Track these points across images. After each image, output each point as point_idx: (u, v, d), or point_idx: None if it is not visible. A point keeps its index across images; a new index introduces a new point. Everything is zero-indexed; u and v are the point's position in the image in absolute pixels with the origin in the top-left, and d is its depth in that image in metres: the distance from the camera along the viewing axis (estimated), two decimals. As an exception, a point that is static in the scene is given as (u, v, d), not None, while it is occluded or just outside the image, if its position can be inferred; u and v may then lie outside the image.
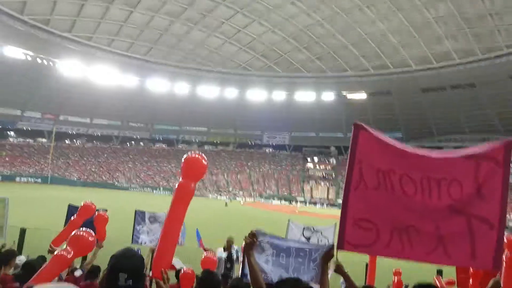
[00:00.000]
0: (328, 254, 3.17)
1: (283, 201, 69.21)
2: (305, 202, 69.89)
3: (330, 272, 4.58)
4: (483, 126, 64.01)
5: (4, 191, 39.45)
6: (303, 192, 75.14)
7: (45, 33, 55.63)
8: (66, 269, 3.11)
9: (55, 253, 2.98)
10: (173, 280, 4.55)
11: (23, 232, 8.89)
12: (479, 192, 2.85)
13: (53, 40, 57.16)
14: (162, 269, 2.64)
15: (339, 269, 3.29)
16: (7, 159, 68.43)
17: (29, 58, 59.63)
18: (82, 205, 5.12)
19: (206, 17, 57.12)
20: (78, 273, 5.30)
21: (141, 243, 8.48)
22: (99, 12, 54.54)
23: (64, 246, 3.10)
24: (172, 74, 70.98)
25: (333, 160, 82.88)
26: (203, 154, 3.09)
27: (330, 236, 7.60)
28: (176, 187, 2.85)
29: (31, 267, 4.21)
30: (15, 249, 7.25)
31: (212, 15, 56.25)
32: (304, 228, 6.90)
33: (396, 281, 6.90)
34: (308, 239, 6.84)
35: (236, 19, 57.23)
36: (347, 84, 69.09)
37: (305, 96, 75.02)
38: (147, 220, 8.76)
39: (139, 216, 8.78)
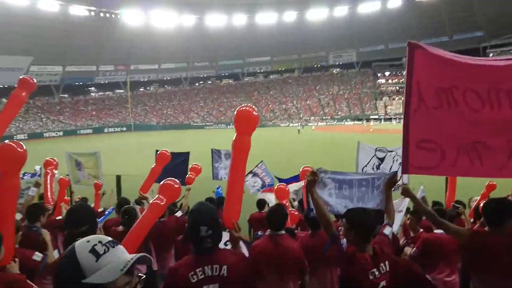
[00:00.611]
0: (391, 180, 3.14)
1: (356, 121, 67.85)
2: (379, 119, 67.79)
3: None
4: None
5: (96, 143, 43.62)
6: (377, 110, 72.62)
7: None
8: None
9: (151, 201, 3.35)
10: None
11: (118, 179, 9.85)
12: None
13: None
14: (233, 220, 2.85)
15: (406, 193, 3.29)
16: (94, 113, 74.52)
17: (92, 14, 61.82)
18: (158, 153, 5.57)
19: None
20: (179, 213, 5.96)
21: (221, 178, 9.10)
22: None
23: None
24: (227, 7, 69.42)
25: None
26: (252, 106, 3.07)
27: None
28: (233, 142, 2.94)
29: (128, 213, 4.81)
30: (116, 196, 8.18)
31: None
32: (376, 149, 6.69)
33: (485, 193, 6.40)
34: (381, 160, 6.68)
35: None
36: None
37: (369, 7, 69.49)
38: (223, 157, 9.27)
39: (216, 154, 9.32)
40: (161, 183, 3.45)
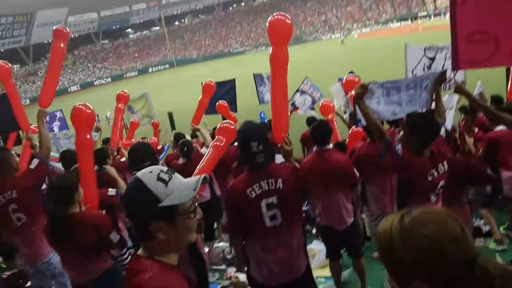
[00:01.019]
0: (440, 78, 2.97)
1: (402, 22, 63.07)
2: (428, 16, 62.39)
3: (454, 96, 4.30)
4: None
5: (143, 84, 44.74)
6: (425, 5, 66.57)
7: None
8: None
9: (211, 144, 3.55)
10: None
11: (170, 116, 10.21)
12: None
13: None
14: (283, 134, 2.82)
15: (459, 89, 3.12)
16: (136, 55, 75.51)
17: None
18: (203, 85, 5.66)
19: None
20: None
21: (267, 102, 9.07)
22: None
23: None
24: None
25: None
26: (285, 14, 2.86)
27: None
28: (270, 56, 2.82)
29: (186, 145, 5.10)
30: (170, 132, 8.52)
31: None
32: (425, 49, 6.24)
33: None
34: (432, 59, 6.25)
35: None
36: None
37: None
38: (265, 80, 9.18)
39: (258, 79, 9.24)
40: (218, 126, 3.62)
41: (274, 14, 2.81)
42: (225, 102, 7.03)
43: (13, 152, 3.81)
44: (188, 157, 5.16)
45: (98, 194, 3.45)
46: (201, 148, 5.52)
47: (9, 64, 4.32)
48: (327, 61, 30.43)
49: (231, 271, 4.78)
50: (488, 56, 2.62)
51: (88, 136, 3.32)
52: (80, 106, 3.29)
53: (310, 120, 7.51)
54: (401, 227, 1.03)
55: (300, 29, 73.09)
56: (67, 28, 4.16)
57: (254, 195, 2.50)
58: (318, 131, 3.67)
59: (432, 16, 61.08)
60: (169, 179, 1.32)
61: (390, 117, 2.93)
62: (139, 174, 1.34)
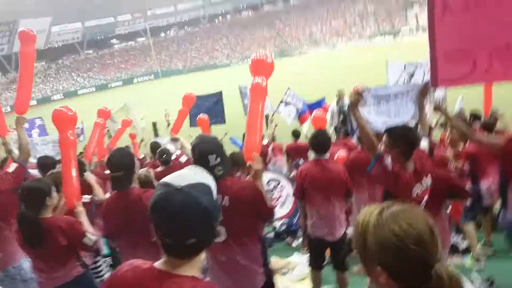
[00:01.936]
0: (424, 89, 3.01)
1: (386, 36, 64.48)
2: (411, 30, 63.90)
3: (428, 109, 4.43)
4: None
5: (128, 94, 44.39)
6: (407, 21, 68.22)
7: None
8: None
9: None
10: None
11: (154, 125, 10.16)
12: None
13: None
14: (254, 152, 2.74)
15: (437, 108, 3.24)
16: (121, 65, 74.98)
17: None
18: (183, 96, 5.72)
19: None
20: (183, 158, 5.99)
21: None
22: None
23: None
24: None
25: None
26: (268, 54, 3.05)
27: None
28: (249, 87, 2.97)
29: (165, 152, 5.11)
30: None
31: None
32: (405, 65, 6.45)
33: None
34: (412, 74, 6.44)
35: None
36: None
37: None
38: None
39: (244, 91, 9.28)
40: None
41: (256, 55, 3.04)
42: (206, 116, 6.85)
43: None
44: (166, 164, 5.16)
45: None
46: (181, 157, 5.52)
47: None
48: (311, 76, 30.78)
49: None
50: (466, 73, 2.65)
51: (71, 136, 3.35)
52: (61, 108, 3.40)
53: (296, 132, 7.57)
54: (377, 220, 1.16)
55: (286, 44, 73.94)
56: (33, 30, 4.00)
57: None
58: (318, 139, 3.72)
59: (415, 31, 62.56)
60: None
61: (382, 128, 2.94)
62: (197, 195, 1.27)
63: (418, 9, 67.91)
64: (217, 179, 2.42)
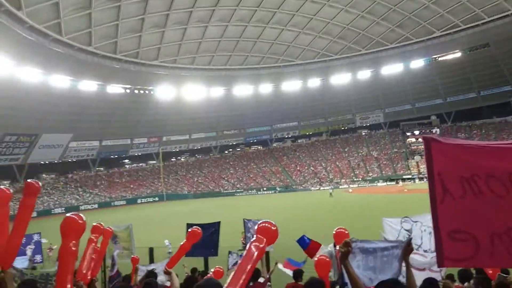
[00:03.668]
0: (407, 249, 3.08)
1: (388, 182, 66.31)
2: (412, 178, 65.99)
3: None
4: None
5: (129, 214, 44.23)
6: (409, 169, 70.96)
7: (136, 65, 61.21)
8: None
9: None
10: None
11: (151, 251, 9.83)
12: None
13: (144, 70, 62.60)
14: None
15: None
16: (128, 184, 76.44)
17: (128, 91, 66.00)
18: (189, 231, 5.54)
19: (276, 14, 57.63)
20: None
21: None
22: (177, 35, 58.38)
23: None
24: (253, 76, 72.63)
25: (436, 130, 76.77)
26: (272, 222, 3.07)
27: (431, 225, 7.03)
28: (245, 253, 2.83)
29: (149, 285, 4.82)
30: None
31: (282, 9, 56.65)
32: (401, 221, 6.63)
33: None
34: (409, 231, 6.57)
35: (306, 8, 56.79)
36: (437, 46, 63.70)
37: (392, 69, 71.06)
38: (254, 227, 9.09)
39: (248, 224, 9.19)
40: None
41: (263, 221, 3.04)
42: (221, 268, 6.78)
43: None
44: None
45: None
46: None
47: (10, 190, 4.08)
48: (316, 213, 30.79)
49: None
50: (470, 255, 2.68)
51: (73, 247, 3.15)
52: (72, 215, 3.27)
53: (297, 273, 7.22)
54: None
55: (291, 178, 76.07)
56: (39, 183, 4.04)
57: None
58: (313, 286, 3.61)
59: (417, 180, 64.46)
60: None
61: (368, 283, 2.96)
62: None
63: (420, 159, 71.10)
64: None
